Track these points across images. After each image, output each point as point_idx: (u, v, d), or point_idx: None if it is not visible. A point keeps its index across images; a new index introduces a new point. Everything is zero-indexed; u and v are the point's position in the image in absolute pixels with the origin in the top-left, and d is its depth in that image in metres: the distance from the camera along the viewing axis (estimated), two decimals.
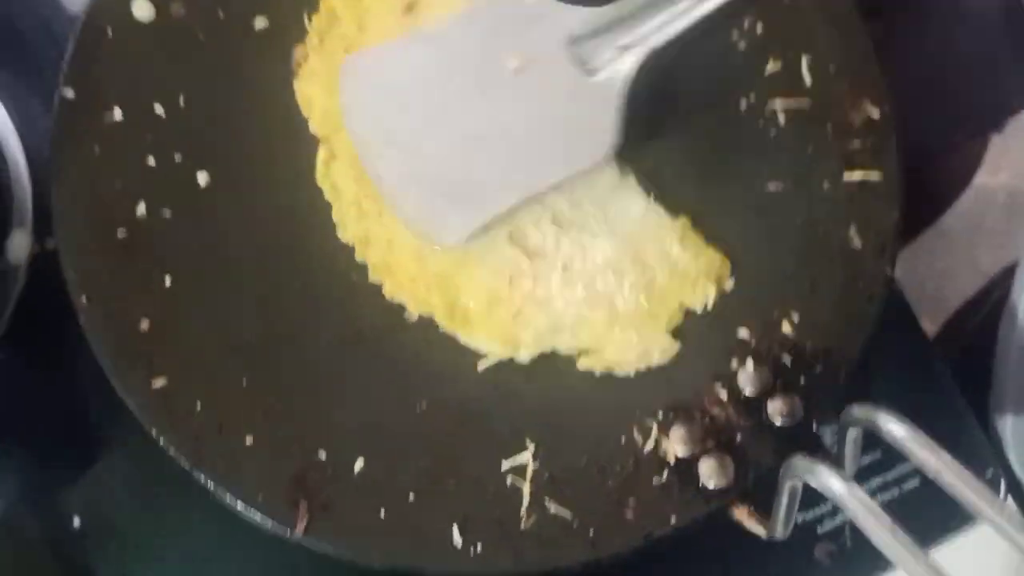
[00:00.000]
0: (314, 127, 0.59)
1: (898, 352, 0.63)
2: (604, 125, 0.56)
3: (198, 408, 0.53)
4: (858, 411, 0.43)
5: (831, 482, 0.41)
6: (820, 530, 0.59)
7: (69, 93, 0.57)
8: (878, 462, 0.60)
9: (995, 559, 0.59)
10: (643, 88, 0.57)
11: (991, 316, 0.69)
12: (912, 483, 0.60)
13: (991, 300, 0.76)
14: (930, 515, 0.59)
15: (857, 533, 0.54)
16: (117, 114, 0.57)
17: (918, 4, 0.65)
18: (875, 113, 0.58)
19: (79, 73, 0.58)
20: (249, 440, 0.52)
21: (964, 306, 0.81)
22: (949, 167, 0.82)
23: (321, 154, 0.58)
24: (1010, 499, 0.60)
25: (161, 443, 0.52)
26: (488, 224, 0.56)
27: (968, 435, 0.62)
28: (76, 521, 0.58)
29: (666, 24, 0.56)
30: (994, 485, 0.60)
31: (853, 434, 0.45)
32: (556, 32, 0.57)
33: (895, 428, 0.41)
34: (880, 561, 0.54)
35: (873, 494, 0.59)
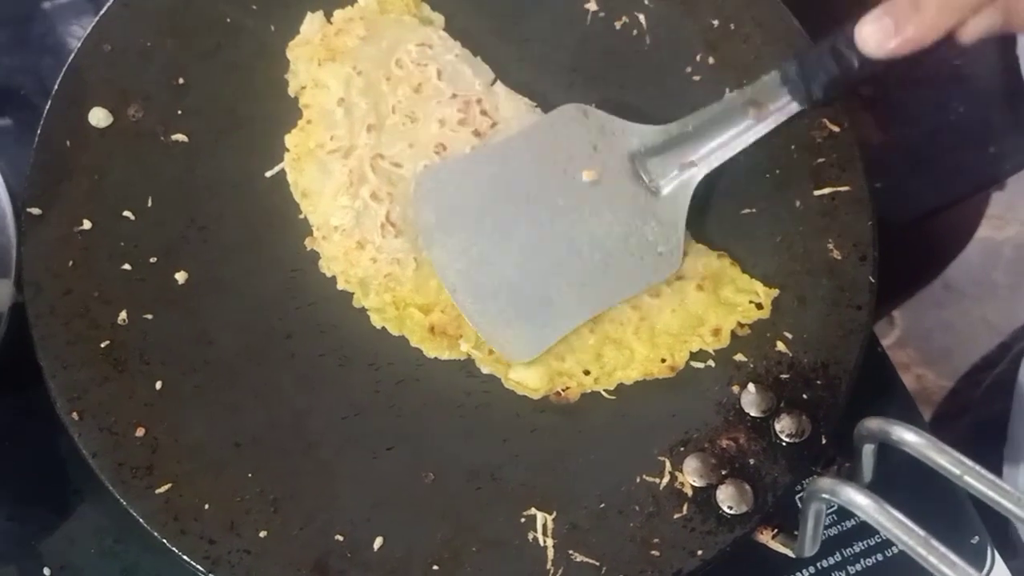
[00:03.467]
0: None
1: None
2: (671, 243, 0.56)
3: (206, 508, 0.52)
4: (872, 424, 0.44)
5: (856, 498, 0.41)
6: None
7: (35, 211, 0.57)
8: (862, 525, 0.58)
9: None
10: None
11: (1008, 372, 0.69)
12: (895, 548, 0.58)
13: (1008, 356, 0.76)
14: None
15: None
16: (86, 224, 0.57)
17: (913, 68, 0.67)
18: (835, 128, 0.60)
19: (43, 189, 0.57)
20: (263, 534, 0.51)
21: (980, 362, 0.81)
22: (949, 222, 0.83)
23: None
24: (999, 559, 0.59)
25: (174, 550, 0.51)
26: (406, 203, 0.56)
27: (956, 504, 0.60)
28: (47, 572, 0.57)
29: (728, 142, 0.56)
30: (980, 552, 0.58)
31: (869, 448, 0.45)
32: (622, 149, 0.58)
33: (910, 437, 0.42)
34: None
35: (856, 559, 0.58)
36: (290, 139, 0.60)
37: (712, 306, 0.56)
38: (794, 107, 0.55)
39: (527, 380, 0.54)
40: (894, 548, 0.58)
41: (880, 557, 0.58)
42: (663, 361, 0.55)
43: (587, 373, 0.55)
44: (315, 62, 0.61)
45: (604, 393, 0.55)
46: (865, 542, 0.59)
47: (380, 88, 0.60)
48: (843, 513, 0.58)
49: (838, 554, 0.58)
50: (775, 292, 0.57)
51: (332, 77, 0.60)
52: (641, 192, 0.57)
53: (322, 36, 0.61)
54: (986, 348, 0.81)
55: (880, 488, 0.55)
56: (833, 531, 0.59)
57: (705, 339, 0.55)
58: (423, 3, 0.64)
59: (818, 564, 0.58)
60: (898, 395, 0.63)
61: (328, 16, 0.63)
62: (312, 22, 0.62)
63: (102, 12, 0.61)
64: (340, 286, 0.57)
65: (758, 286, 0.57)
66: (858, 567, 0.58)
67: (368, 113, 0.60)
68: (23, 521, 0.59)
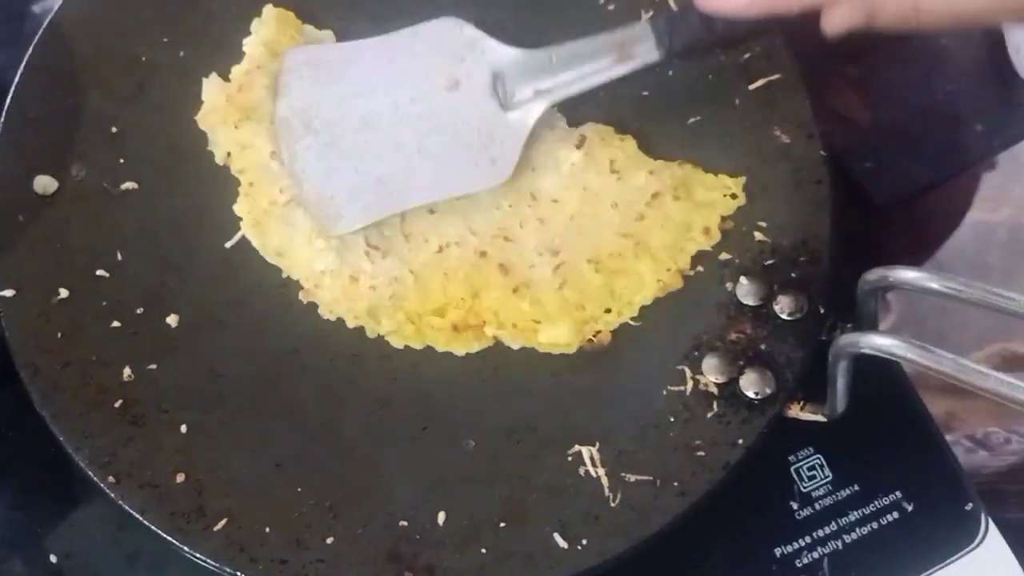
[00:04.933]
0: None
1: (887, 397, 0.62)
2: (506, 158, 0.59)
3: (268, 532, 0.52)
4: (873, 275, 0.47)
5: (881, 342, 0.44)
6: (799, 563, 0.58)
7: (7, 293, 0.55)
8: (857, 495, 0.59)
9: None
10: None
11: None
12: (890, 516, 0.59)
13: None
14: (908, 549, 0.59)
15: (835, 567, 0.57)
16: (63, 293, 0.56)
17: (899, 46, 0.68)
18: None
19: (9, 270, 0.56)
20: (330, 540, 0.52)
21: None
22: (939, 202, 0.84)
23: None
24: (992, 527, 0.59)
25: None
26: (381, 220, 0.58)
27: (949, 470, 0.61)
28: (53, 559, 0.57)
29: (585, 78, 0.58)
30: (974, 518, 0.59)
31: (872, 300, 0.48)
32: (486, 65, 0.60)
33: (910, 275, 0.45)
34: None
35: (851, 527, 0.59)
36: (240, 208, 0.59)
37: (692, 210, 0.58)
38: (655, 56, 0.58)
39: (558, 338, 0.56)
40: (889, 516, 0.59)
41: (875, 525, 0.59)
42: (668, 270, 0.57)
43: (608, 311, 0.57)
44: (231, 126, 0.60)
45: (631, 322, 0.57)
46: (860, 511, 0.59)
47: None
48: (838, 483, 0.60)
49: (834, 523, 0.59)
50: (742, 179, 0.60)
51: (254, 136, 0.60)
52: (493, 107, 0.59)
53: (227, 97, 0.60)
54: (979, 330, 0.83)
55: (875, 458, 0.59)
56: (828, 501, 0.60)
57: (699, 240, 0.58)
58: (305, 26, 0.63)
59: (814, 534, 0.59)
60: (899, 379, 0.63)
61: (224, 76, 0.62)
62: (211, 86, 0.61)
63: (16, 81, 0.59)
64: (351, 324, 0.57)
65: (724, 179, 0.60)
66: (854, 535, 0.59)
67: None
68: (29, 510, 0.59)
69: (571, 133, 0.61)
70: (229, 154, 0.60)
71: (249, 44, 0.63)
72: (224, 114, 0.60)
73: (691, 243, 0.58)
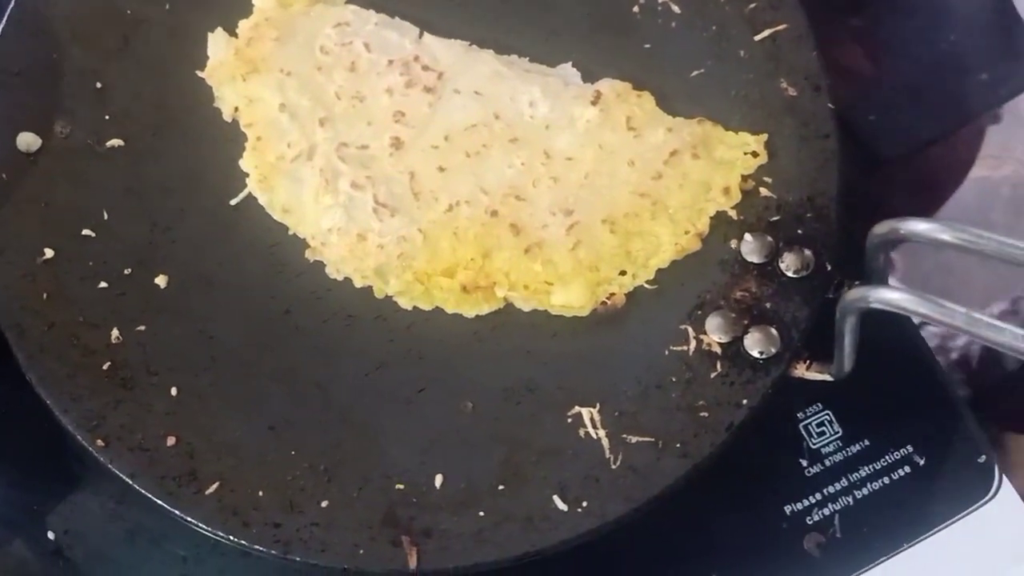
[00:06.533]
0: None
1: (897, 350, 0.61)
2: None
3: (261, 495, 0.51)
4: (882, 228, 0.45)
5: (890, 295, 0.43)
6: (809, 520, 0.58)
7: None
8: (867, 450, 0.59)
9: (985, 547, 0.58)
10: None
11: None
12: (901, 471, 0.59)
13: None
14: (921, 503, 0.58)
15: (847, 523, 0.56)
16: (48, 253, 0.55)
17: None
18: None
19: None
20: (325, 503, 0.51)
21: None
22: (944, 156, 0.82)
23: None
24: (1006, 480, 0.58)
25: (242, 544, 0.50)
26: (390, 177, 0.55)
27: (961, 423, 0.60)
28: (51, 536, 0.57)
29: None
30: (987, 471, 0.58)
31: (882, 254, 0.47)
32: None
33: (922, 226, 0.43)
34: (869, 552, 0.57)
35: (862, 483, 0.58)
36: (247, 163, 0.57)
37: (712, 169, 0.57)
38: None
39: (571, 301, 0.55)
40: (900, 471, 0.58)
41: (887, 480, 0.58)
42: (687, 233, 0.56)
43: (623, 273, 0.55)
44: (238, 79, 0.58)
45: (647, 285, 0.55)
46: (871, 466, 0.59)
47: (315, 80, 0.58)
48: (848, 439, 0.59)
49: (844, 479, 0.58)
50: (764, 136, 0.57)
51: (263, 87, 0.58)
52: None
53: (235, 51, 0.59)
54: (984, 286, 0.81)
55: (885, 412, 0.58)
56: (838, 457, 0.59)
57: (719, 201, 0.56)
58: None
59: (825, 491, 0.58)
60: (908, 332, 0.62)
61: (230, 31, 0.60)
62: (217, 41, 0.59)
63: None
64: (358, 284, 0.55)
65: (746, 136, 0.58)
66: (865, 491, 0.58)
67: (314, 108, 0.58)
68: (26, 488, 0.59)
69: (586, 89, 0.59)
70: (237, 109, 0.59)
71: None
72: (232, 68, 0.59)
73: (710, 204, 0.56)
